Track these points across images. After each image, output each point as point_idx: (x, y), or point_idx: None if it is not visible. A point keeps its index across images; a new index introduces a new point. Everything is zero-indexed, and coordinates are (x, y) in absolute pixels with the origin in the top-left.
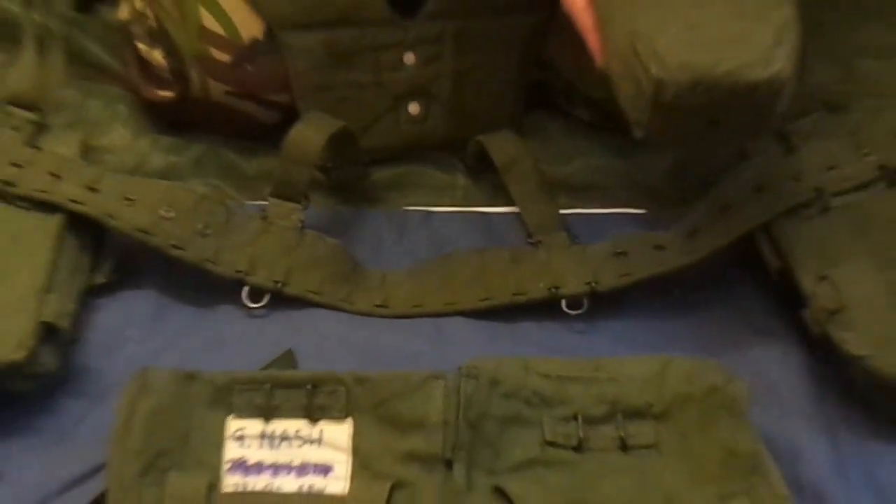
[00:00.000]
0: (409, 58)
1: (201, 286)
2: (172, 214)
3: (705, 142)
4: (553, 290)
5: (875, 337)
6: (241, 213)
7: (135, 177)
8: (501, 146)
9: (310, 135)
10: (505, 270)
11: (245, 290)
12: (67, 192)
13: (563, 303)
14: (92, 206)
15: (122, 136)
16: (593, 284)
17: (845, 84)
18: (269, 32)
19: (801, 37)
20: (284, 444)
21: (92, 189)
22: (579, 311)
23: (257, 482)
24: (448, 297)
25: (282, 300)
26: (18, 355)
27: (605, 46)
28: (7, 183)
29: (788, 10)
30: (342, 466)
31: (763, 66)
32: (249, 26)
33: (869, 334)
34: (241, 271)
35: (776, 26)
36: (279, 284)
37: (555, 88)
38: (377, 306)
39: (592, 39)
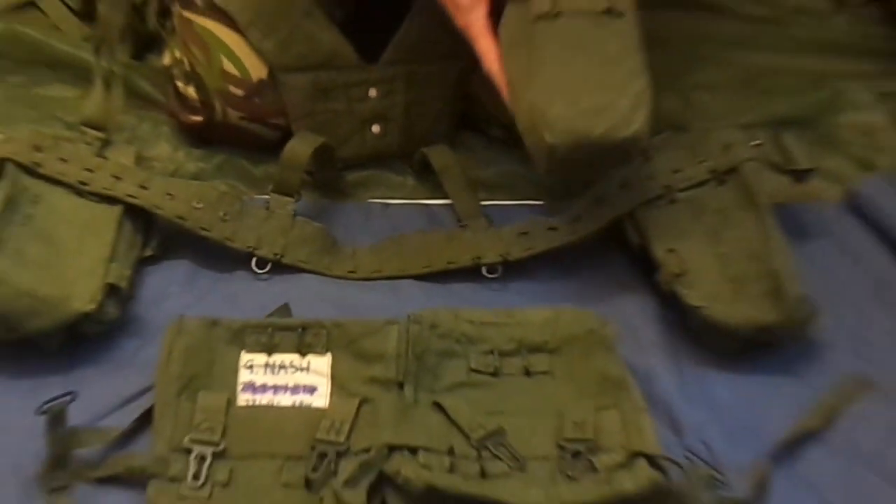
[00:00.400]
0: (373, 92)
1: (222, 258)
2: (201, 206)
3: (587, 176)
4: (476, 259)
5: (707, 293)
6: (251, 204)
7: (174, 179)
8: (439, 156)
9: (300, 148)
10: (442, 246)
11: (254, 260)
12: (126, 189)
13: (484, 269)
14: (143, 199)
15: (165, 150)
16: (505, 256)
17: (685, 111)
18: (272, 74)
19: (652, 99)
20: (282, 371)
21: (143, 188)
22: (495, 276)
23: (262, 398)
24: (401, 266)
25: (280, 268)
26: (90, 307)
27: (512, 102)
28: (82, 182)
29: (643, 81)
30: (324, 387)
31: (626, 127)
32: (257, 70)
33: (703, 291)
34: (250, 247)
35: (634, 95)
36: (278, 256)
37: (477, 115)
38: (349, 272)
39: (504, 93)
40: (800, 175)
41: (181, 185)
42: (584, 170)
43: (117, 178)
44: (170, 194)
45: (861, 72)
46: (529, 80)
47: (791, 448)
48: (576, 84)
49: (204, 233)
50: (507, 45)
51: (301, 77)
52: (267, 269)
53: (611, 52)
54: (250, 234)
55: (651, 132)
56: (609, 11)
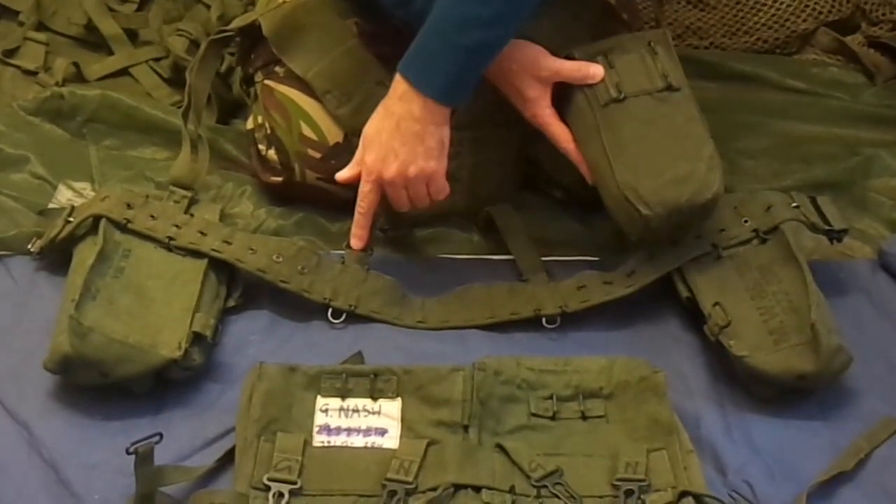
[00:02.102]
0: None
1: (299, 308)
2: (281, 259)
3: (675, 236)
4: (537, 311)
5: (750, 343)
6: (328, 258)
7: (256, 234)
8: (502, 215)
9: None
10: (505, 298)
11: (329, 311)
12: (211, 244)
13: (544, 320)
14: (227, 253)
15: (247, 208)
16: (564, 308)
17: (731, 175)
18: (346, 138)
19: (720, 162)
20: (355, 414)
21: (227, 242)
22: (554, 326)
23: (337, 440)
24: (467, 316)
25: (354, 318)
26: (177, 354)
27: (598, 183)
28: (170, 238)
29: (711, 146)
30: (394, 430)
31: (708, 190)
32: (334, 134)
33: (746, 341)
34: (327, 298)
35: (707, 159)
36: (352, 307)
37: (539, 177)
38: (418, 322)
39: (584, 169)
40: (835, 234)
41: (262, 240)
42: (673, 231)
43: (203, 233)
44: (252, 249)
45: (890, 140)
46: (613, 161)
47: (826, 487)
48: (656, 158)
49: (283, 285)
50: (581, 132)
51: None
52: (342, 319)
53: (679, 124)
54: (326, 286)
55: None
56: (669, 88)
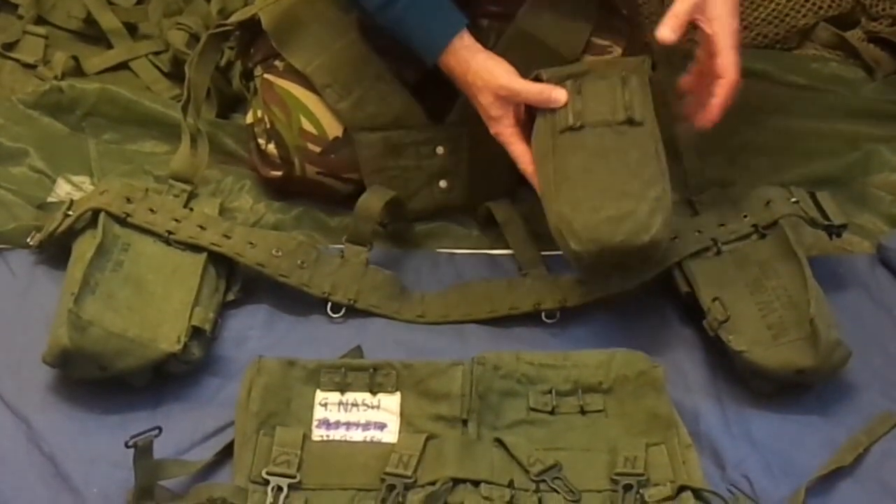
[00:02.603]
0: (440, 150)
1: (299, 303)
2: (280, 254)
3: (615, 276)
4: (536, 305)
5: (749, 338)
6: (327, 253)
7: (255, 229)
8: (502, 209)
9: (373, 201)
10: (504, 293)
11: (329, 305)
12: (210, 238)
13: (543, 314)
14: (226, 248)
15: (247, 202)
16: (563, 302)
17: (731, 170)
18: (346, 132)
19: (670, 205)
20: (354, 409)
21: (226, 237)
22: (554, 320)
23: (336, 434)
24: (466, 311)
25: (353, 312)
26: (176, 348)
27: (545, 208)
28: (170, 232)
29: (660, 187)
30: (393, 424)
31: (645, 233)
32: (333, 128)
33: (745, 336)
34: (326, 292)
35: (651, 201)
36: (352, 301)
37: None
38: (418, 316)
39: (539, 192)
40: (834, 229)
41: (261, 234)
42: (610, 270)
43: (202, 227)
44: (251, 243)
45: (890, 135)
46: (556, 190)
47: (824, 482)
48: (597, 193)
49: (282, 279)
50: (537, 155)
51: (373, 135)
52: (341, 313)
53: (631, 161)
54: (326, 280)
55: (698, 191)
56: (629, 121)
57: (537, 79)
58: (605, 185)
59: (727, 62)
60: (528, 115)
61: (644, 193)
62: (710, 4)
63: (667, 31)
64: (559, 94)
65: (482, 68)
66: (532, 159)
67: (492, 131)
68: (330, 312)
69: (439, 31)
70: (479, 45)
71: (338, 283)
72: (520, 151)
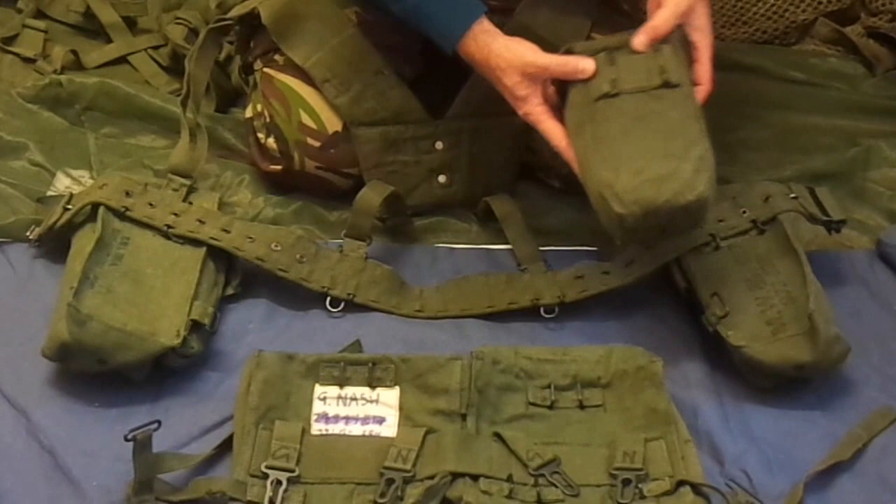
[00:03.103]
0: (439, 144)
1: (298, 297)
2: (279, 248)
3: (660, 240)
4: (535, 301)
5: (748, 333)
6: (326, 247)
7: (254, 223)
8: (501, 204)
9: (371, 196)
10: (503, 288)
11: (328, 299)
12: (209, 232)
13: (542, 310)
14: (226, 242)
15: (246, 196)
16: (562, 298)
17: (730, 166)
18: (346, 127)
19: (713, 164)
20: (353, 403)
21: (226, 231)
22: (552, 315)
23: (335, 428)
24: (465, 306)
25: (352, 307)
26: (175, 342)
27: (581, 178)
28: (169, 226)
29: (703, 146)
30: (392, 418)
31: (690, 191)
32: (333, 123)
33: (744, 332)
34: (325, 287)
35: (695, 160)
36: (351, 296)
37: (536, 165)
38: (416, 311)
39: (575, 167)
40: (833, 225)
41: (260, 228)
42: (657, 235)
43: (201, 221)
44: (250, 237)
45: (890, 131)
46: (595, 156)
47: (823, 477)
48: (639, 155)
49: (281, 273)
50: (572, 126)
51: (372, 130)
52: (340, 307)
53: (670, 122)
54: (325, 275)
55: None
56: (666, 84)
57: (568, 52)
58: (646, 147)
59: (705, 71)
60: (558, 94)
61: (687, 153)
62: (695, 15)
63: (642, 40)
64: (587, 64)
65: (504, 49)
66: (564, 134)
67: (520, 112)
68: (329, 307)
69: (460, 17)
70: (497, 30)
71: (337, 278)
72: (551, 128)
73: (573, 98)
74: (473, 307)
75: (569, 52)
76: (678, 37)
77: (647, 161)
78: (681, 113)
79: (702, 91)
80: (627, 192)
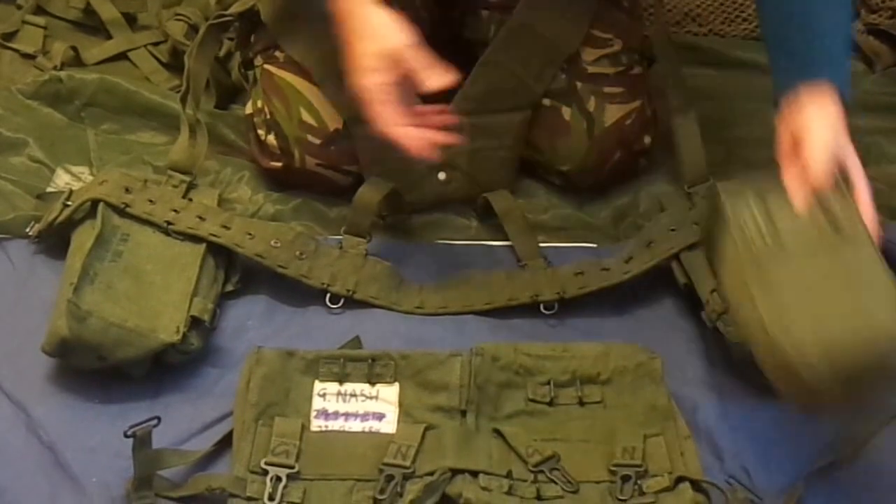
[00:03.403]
0: None
1: (297, 294)
2: (279, 245)
3: (854, 411)
4: (534, 297)
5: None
6: (325, 244)
7: (254, 220)
8: (501, 201)
9: (371, 193)
10: (503, 284)
11: (328, 296)
12: (209, 229)
13: (542, 306)
14: (225, 238)
15: (245, 193)
16: (562, 294)
17: (728, 162)
18: (346, 125)
19: None
20: (353, 399)
21: (225, 227)
22: (552, 312)
23: (334, 424)
24: (465, 302)
25: (352, 303)
26: (175, 338)
27: (751, 334)
28: (169, 222)
29: (893, 291)
30: (392, 415)
31: (888, 339)
32: (333, 120)
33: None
34: (325, 283)
35: (888, 307)
36: (350, 292)
37: (536, 162)
38: (416, 307)
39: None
40: None
41: (260, 225)
42: (852, 399)
43: (201, 218)
44: (250, 234)
45: (889, 128)
46: (768, 313)
47: (822, 474)
48: (823, 308)
49: (281, 270)
50: (729, 278)
51: (372, 127)
52: (340, 304)
53: (851, 269)
54: (324, 271)
55: (696, 182)
56: (835, 229)
57: (712, 190)
58: (830, 299)
59: (868, 211)
60: (709, 236)
61: (877, 299)
62: (844, 147)
63: (801, 200)
64: (449, 77)
65: (375, 17)
66: (394, 123)
67: (358, 81)
68: (329, 303)
69: None
70: None
71: (336, 274)
72: (383, 111)
73: (727, 243)
74: (473, 304)
75: (712, 189)
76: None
77: (834, 314)
78: (859, 257)
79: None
80: (813, 347)
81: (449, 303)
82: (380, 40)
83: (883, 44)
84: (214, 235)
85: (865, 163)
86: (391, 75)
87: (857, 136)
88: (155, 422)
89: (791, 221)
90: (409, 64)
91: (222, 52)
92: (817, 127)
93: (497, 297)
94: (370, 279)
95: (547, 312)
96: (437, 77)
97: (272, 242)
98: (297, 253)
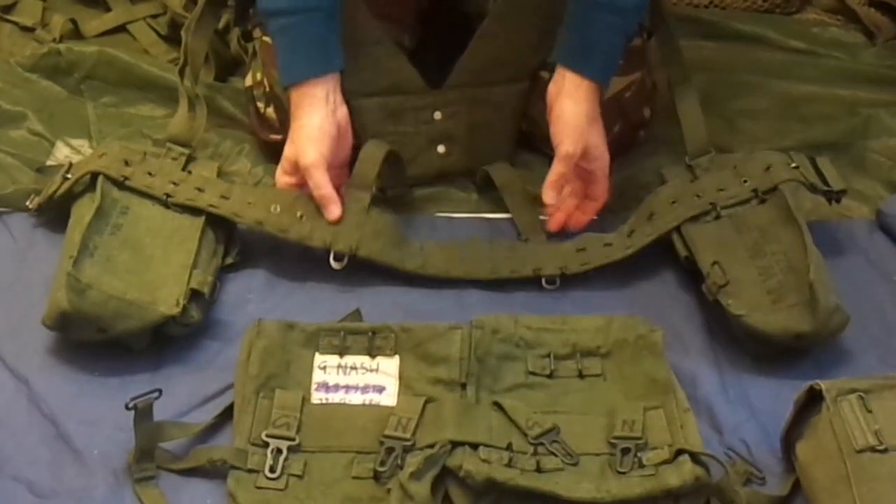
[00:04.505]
0: (438, 115)
1: (298, 266)
2: (279, 209)
3: None
4: (537, 271)
5: (748, 303)
6: None
7: (253, 187)
8: (500, 173)
9: (376, 147)
10: (505, 255)
11: (331, 255)
12: (208, 200)
13: (543, 281)
14: (224, 209)
15: (245, 165)
16: (564, 270)
17: (730, 135)
18: (344, 97)
19: None
20: (353, 372)
21: (224, 198)
22: (554, 287)
23: (335, 397)
24: (467, 269)
25: (353, 275)
26: (175, 311)
27: None
28: (168, 195)
29: None
30: (392, 387)
31: None
32: None
33: (744, 301)
34: (327, 243)
35: None
36: (353, 250)
37: (535, 134)
38: (418, 268)
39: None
40: (833, 195)
41: (259, 191)
42: None
43: (200, 190)
44: (249, 202)
45: (890, 100)
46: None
47: None
48: None
49: (282, 234)
50: (825, 482)
51: (371, 101)
52: (343, 261)
53: None
54: (326, 231)
55: (698, 155)
56: None
57: (812, 390)
58: None
59: (602, 189)
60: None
61: None
62: (590, 152)
63: (549, 195)
64: (334, 211)
65: (309, 128)
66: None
67: (277, 174)
68: (332, 262)
69: (307, 64)
70: (327, 102)
71: (339, 233)
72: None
73: (821, 444)
74: (476, 271)
75: (812, 390)
76: None
77: None
78: None
79: (594, 206)
80: None
81: (451, 268)
82: (302, 151)
83: (884, 15)
84: (213, 206)
85: (866, 136)
86: (296, 180)
87: (858, 108)
88: (156, 394)
89: (892, 418)
90: (310, 182)
91: (221, 24)
92: (568, 106)
93: (500, 268)
94: (373, 235)
95: (549, 287)
96: (328, 210)
97: (272, 208)
98: (298, 215)
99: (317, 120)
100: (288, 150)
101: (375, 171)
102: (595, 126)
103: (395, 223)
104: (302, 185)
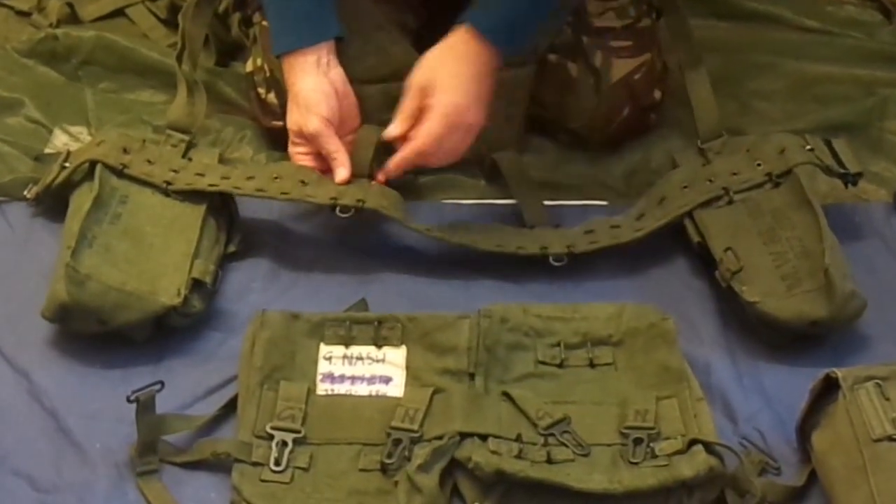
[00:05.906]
0: None
1: (302, 255)
2: (280, 179)
3: None
4: (543, 249)
5: (762, 289)
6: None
7: (254, 165)
8: (507, 161)
9: (368, 133)
10: (512, 233)
11: (337, 208)
12: (208, 181)
13: (551, 258)
14: (224, 185)
15: (246, 152)
16: (571, 248)
17: (743, 117)
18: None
19: None
20: (359, 362)
21: (225, 178)
22: (562, 263)
23: (341, 388)
24: (473, 237)
25: (361, 257)
26: (176, 301)
27: None
28: (167, 182)
29: None
30: (399, 378)
31: None
32: None
33: (758, 287)
34: (333, 198)
35: None
36: (360, 202)
37: (544, 120)
38: (426, 230)
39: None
40: (850, 178)
41: (261, 167)
42: None
43: (201, 175)
44: (250, 177)
45: None
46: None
47: None
48: None
49: (284, 196)
50: (840, 471)
51: (374, 87)
52: (349, 214)
53: None
54: (330, 188)
55: (710, 138)
56: None
57: (829, 378)
58: None
59: (424, 131)
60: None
61: None
62: (437, 91)
63: (394, 129)
64: (343, 174)
65: (311, 91)
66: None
67: (290, 146)
68: (339, 213)
69: (292, 34)
70: (327, 66)
71: (344, 190)
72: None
73: (837, 435)
74: (481, 242)
75: (829, 378)
76: None
77: None
78: None
79: (408, 147)
80: None
81: (456, 235)
82: (303, 118)
83: None
84: (213, 185)
85: (883, 117)
86: (308, 149)
87: (875, 88)
88: (158, 386)
89: None
90: (319, 147)
91: (222, 8)
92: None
93: (507, 242)
94: (378, 194)
95: (556, 264)
96: (338, 171)
97: (273, 177)
98: (300, 180)
99: (310, 82)
100: (289, 121)
101: (370, 156)
102: (452, 68)
103: (399, 197)
104: (315, 153)
